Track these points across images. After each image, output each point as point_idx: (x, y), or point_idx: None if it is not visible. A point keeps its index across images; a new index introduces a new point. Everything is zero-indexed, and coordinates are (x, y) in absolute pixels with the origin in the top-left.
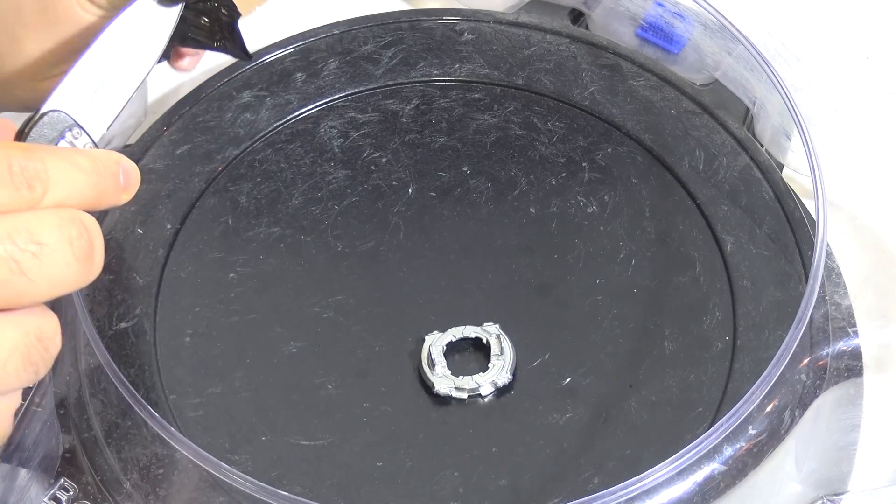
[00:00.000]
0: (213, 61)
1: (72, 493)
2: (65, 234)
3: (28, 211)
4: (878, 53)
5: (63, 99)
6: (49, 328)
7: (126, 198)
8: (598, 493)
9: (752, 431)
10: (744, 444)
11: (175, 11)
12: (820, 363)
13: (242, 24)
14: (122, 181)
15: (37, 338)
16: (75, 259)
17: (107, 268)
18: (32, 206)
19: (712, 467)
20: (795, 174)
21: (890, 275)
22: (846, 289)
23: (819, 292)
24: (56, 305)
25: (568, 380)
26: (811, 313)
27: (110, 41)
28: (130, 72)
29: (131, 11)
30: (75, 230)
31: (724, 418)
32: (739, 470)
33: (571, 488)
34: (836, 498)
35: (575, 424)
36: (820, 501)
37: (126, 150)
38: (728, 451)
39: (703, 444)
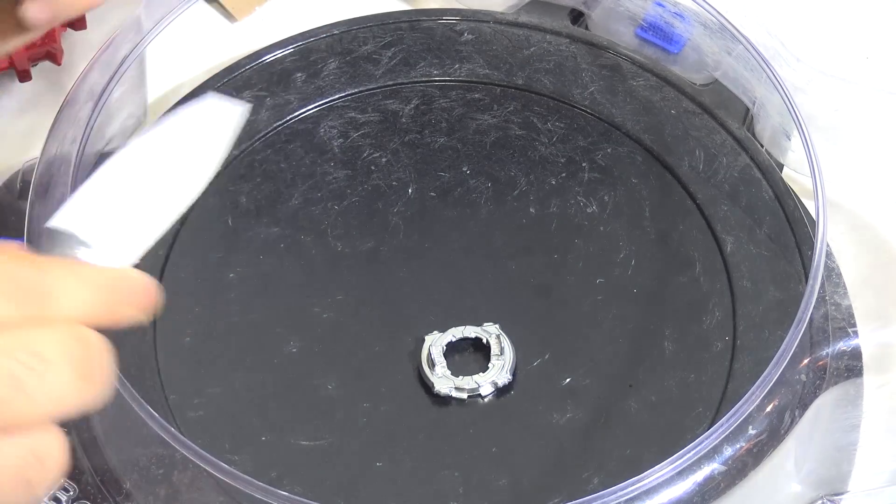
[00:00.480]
0: (213, 60)
1: (72, 493)
2: (66, 350)
3: (31, 327)
4: (878, 53)
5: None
6: (51, 446)
7: (144, 318)
8: (597, 493)
9: (751, 431)
10: (744, 445)
11: (240, 113)
12: (820, 363)
13: (242, 24)
14: (138, 299)
15: (35, 456)
16: (77, 377)
17: None
18: (37, 322)
19: (712, 467)
20: (795, 174)
21: (890, 275)
22: (846, 289)
23: (819, 292)
24: None
25: (568, 380)
26: (811, 313)
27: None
28: (172, 193)
29: (187, 113)
30: (78, 347)
31: (724, 418)
32: (739, 470)
33: (571, 488)
34: (835, 498)
35: (575, 424)
36: (820, 502)
37: None
38: (728, 452)
39: (703, 444)
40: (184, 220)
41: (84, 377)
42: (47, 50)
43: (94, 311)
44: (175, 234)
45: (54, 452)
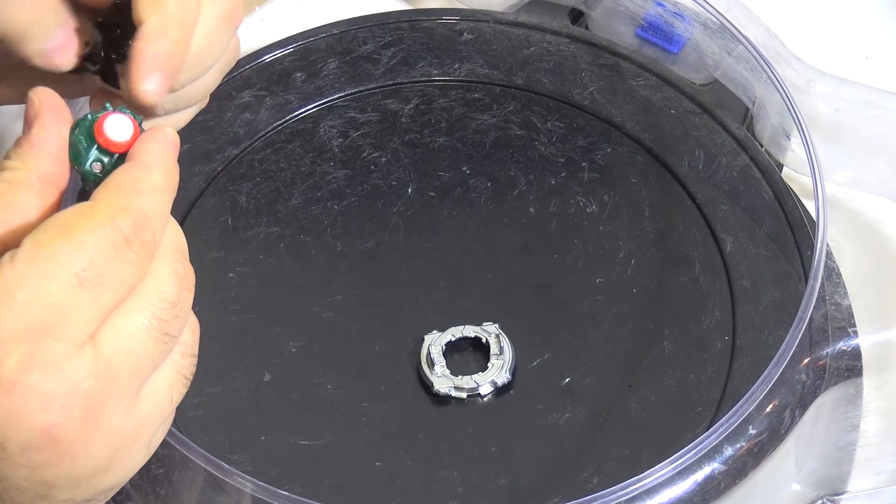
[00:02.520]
0: None
1: None
2: (178, 276)
3: (152, 274)
4: (878, 53)
5: None
6: (192, 338)
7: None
8: (597, 493)
9: (752, 431)
10: (744, 444)
11: None
12: (820, 363)
13: (242, 24)
14: (175, 156)
15: (183, 355)
16: (188, 290)
17: None
18: (151, 258)
19: (712, 467)
20: (795, 174)
21: (890, 275)
22: (846, 289)
23: (819, 292)
24: None
25: (567, 379)
26: (811, 313)
27: None
28: None
29: None
30: (181, 266)
31: (724, 418)
32: (739, 470)
33: (571, 488)
34: (835, 498)
35: (574, 424)
36: (820, 501)
37: None
38: (728, 451)
39: (703, 444)
40: (183, 220)
41: (189, 287)
42: None
43: (171, 203)
44: None
45: (193, 342)
